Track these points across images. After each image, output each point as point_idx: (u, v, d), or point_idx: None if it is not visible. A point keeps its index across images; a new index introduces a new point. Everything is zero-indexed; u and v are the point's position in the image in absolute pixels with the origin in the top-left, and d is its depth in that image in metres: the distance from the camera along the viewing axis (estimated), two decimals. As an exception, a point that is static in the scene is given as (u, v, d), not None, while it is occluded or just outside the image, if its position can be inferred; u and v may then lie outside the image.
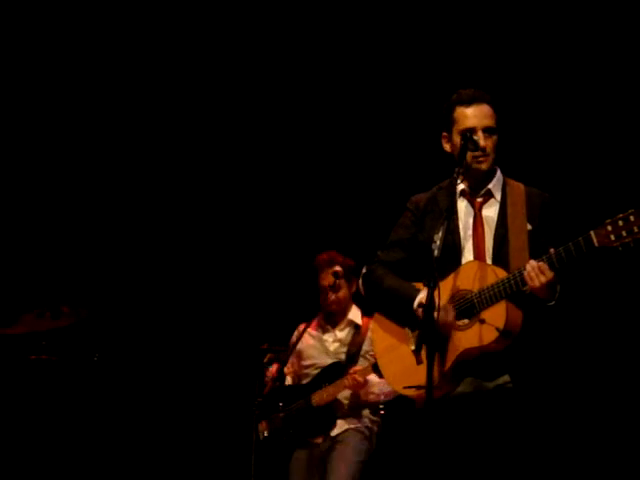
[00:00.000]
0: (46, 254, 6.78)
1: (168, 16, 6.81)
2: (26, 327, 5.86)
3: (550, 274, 3.78)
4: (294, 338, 5.79)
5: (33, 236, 6.80)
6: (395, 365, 4.10)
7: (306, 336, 5.72)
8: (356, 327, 5.68)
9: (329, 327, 5.75)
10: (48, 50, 6.81)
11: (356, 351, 5.61)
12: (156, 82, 6.91)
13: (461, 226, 4.04)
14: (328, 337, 5.75)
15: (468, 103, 4.06)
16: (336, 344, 5.70)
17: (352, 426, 5.54)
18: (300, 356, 5.76)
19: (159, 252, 6.95)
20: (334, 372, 5.55)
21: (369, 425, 5.57)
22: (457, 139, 4.05)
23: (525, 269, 3.80)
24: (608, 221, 3.70)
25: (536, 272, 3.77)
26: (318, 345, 5.73)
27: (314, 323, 5.76)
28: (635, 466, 5.78)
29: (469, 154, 3.98)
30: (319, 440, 5.53)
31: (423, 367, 3.78)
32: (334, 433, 5.53)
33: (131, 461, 6.54)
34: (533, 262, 3.79)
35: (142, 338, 6.82)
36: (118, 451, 6.45)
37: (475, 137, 3.99)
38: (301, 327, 5.79)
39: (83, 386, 6.13)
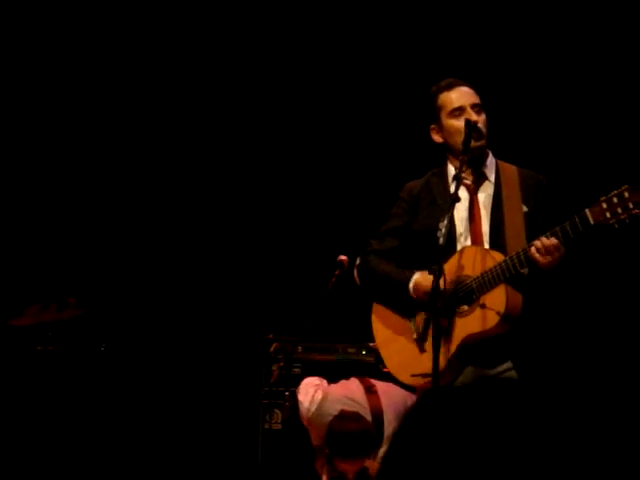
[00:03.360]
0: (52, 245, 6.78)
1: (168, 16, 6.79)
2: (31, 319, 5.86)
3: (562, 249, 3.79)
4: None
5: (39, 227, 6.80)
6: (398, 355, 4.10)
7: None
8: None
9: None
10: (48, 50, 6.80)
11: None
12: (156, 82, 6.90)
13: (457, 211, 4.03)
14: None
15: (449, 88, 4.12)
16: None
17: None
18: None
19: (165, 243, 6.94)
20: None
21: None
22: (449, 122, 4.08)
23: (533, 246, 3.80)
24: (603, 198, 3.72)
25: (550, 250, 3.78)
26: None
27: None
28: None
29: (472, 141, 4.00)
30: None
31: (426, 356, 3.80)
32: None
33: (138, 452, 6.55)
34: (544, 239, 3.79)
35: (148, 329, 6.81)
36: (125, 442, 6.45)
37: (468, 117, 4.01)
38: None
39: (90, 377, 6.13)
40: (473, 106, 4.08)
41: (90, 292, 6.14)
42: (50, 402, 6.00)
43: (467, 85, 4.15)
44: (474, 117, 4.04)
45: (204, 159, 6.95)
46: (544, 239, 3.80)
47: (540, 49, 6.20)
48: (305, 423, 5.07)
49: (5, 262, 6.68)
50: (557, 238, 3.79)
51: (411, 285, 3.99)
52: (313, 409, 4.94)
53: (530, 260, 3.82)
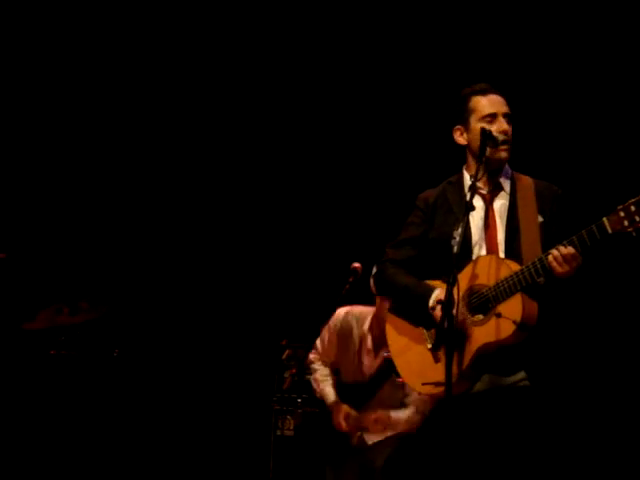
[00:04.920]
0: (64, 250, 6.78)
1: (168, 16, 6.80)
2: (44, 323, 5.87)
3: (580, 259, 3.77)
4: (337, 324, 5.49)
5: (52, 232, 6.81)
6: (412, 364, 4.08)
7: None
8: None
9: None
10: (48, 50, 6.81)
11: None
12: (156, 82, 6.90)
13: (473, 220, 4.02)
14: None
15: (483, 93, 4.08)
16: None
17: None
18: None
19: (179, 248, 6.95)
20: None
21: None
22: (477, 127, 4.04)
23: (550, 255, 3.77)
24: (620, 207, 3.70)
25: (567, 259, 3.76)
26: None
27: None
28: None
29: (488, 149, 3.98)
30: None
31: (441, 365, 3.77)
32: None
33: (150, 457, 6.55)
34: (562, 248, 3.78)
35: (161, 334, 6.82)
36: (137, 446, 6.45)
37: (494, 131, 3.98)
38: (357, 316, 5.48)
39: (102, 382, 6.13)
40: (504, 115, 4.07)
41: (103, 296, 6.14)
42: (63, 406, 6.00)
43: (500, 94, 4.13)
44: (504, 126, 4.03)
45: (221, 168, 6.97)
46: (561, 248, 3.77)
47: (557, 59, 6.20)
48: (325, 342, 5.51)
49: (18, 266, 6.68)
50: (574, 247, 3.76)
51: (431, 302, 3.96)
52: (340, 318, 5.47)
53: (547, 269, 3.80)
